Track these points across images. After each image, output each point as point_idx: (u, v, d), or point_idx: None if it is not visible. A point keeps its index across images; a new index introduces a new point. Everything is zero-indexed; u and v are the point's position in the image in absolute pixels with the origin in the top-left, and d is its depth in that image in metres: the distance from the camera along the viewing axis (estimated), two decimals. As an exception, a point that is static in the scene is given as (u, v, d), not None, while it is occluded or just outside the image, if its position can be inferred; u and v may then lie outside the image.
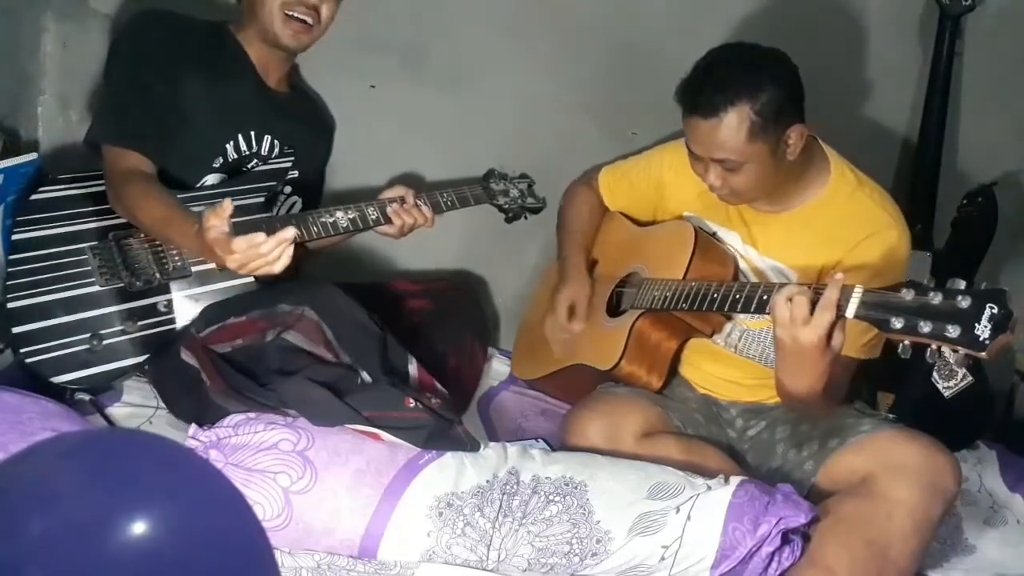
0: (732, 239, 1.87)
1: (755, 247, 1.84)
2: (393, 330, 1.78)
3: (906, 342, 1.36)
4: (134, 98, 1.79)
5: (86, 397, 1.76)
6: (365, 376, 1.70)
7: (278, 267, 1.60)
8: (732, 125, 1.63)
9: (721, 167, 1.69)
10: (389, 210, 1.95)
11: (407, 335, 1.81)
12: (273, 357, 1.71)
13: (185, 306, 1.79)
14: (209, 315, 1.78)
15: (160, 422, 1.79)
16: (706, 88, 1.65)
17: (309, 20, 1.84)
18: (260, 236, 1.58)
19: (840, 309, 1.43)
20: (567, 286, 2.02)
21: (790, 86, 1.68)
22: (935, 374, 2.10)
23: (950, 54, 2.30)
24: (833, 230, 1.76)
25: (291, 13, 1.82)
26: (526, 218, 2.31)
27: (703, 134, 1.67)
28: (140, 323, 1.75)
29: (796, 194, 1.79)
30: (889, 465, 1.62)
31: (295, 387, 1.66)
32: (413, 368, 1.76)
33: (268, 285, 1.84)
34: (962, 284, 1.32)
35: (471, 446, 1.70)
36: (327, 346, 1.71)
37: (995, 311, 1.29)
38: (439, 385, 1.76)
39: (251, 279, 1.81)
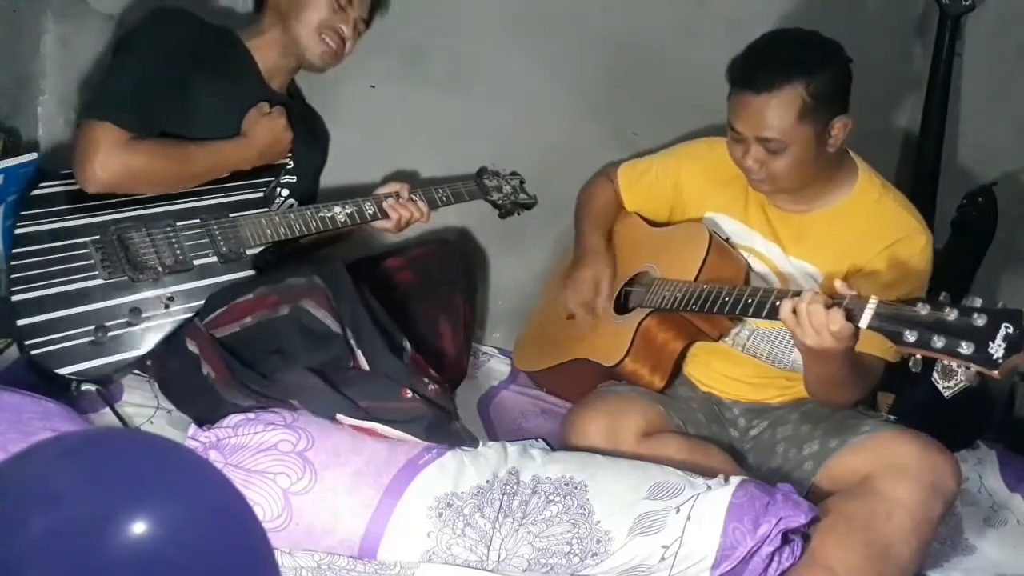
0: (753, 238, 1.87)
1: (780, 246, 1.84)
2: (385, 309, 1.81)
3: (918, 356, 1.36)
4: (142, 86, 1.80)
5: (92, 387, 1.76)
6: (361, 359, 1.71)
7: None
8: (784, 102, 1.64)
9: (764, 148, 1.69)
10: (385, 204, 1.99)
11: (396, 312, 1.84)
12: (283, 333, 1.72)
13: (188, 298, 1.80)
14: (215, 300, 1.80)
15: (160, 422, 1.79)
16: (764, 64, 1.67)
17: (336, 47, 1.94)
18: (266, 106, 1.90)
19: (852, 318, 1.44)
20: (588, 262, 2.02)
21: (842, 75, 1.70)
22: (935, 374, 2.11)
23: (950, 54, 2.30)
24: (860, 233, 1.77)
25: (325, 37, 1.92)
26: (519, 214, 2.32)
27: (753, 110, 1.67)
28: (144, 315, 1.76)
29: (824, 194, 1.80)
30: (889, 465, 1.62)
31: (295, 377, 1.67)
32: (408, 346, 1.78)
33: (273, 265, 1.87)
34: (978, 302, 1.32)
35: (470, 442, 1.70)
36: (332, 312, 1.73)
37: (1011, 331, 1.28)
38: (431, 370, 1.77)
39: (252, 271, 1.83)
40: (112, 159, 1.72)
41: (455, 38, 2.32)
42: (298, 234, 1.90)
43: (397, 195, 2.01)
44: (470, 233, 2.47)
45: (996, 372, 1.29)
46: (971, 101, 2.41)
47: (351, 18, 1.94)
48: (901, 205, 1.81)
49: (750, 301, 1.65)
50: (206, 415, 1.70)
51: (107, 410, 1.76)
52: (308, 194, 2.11)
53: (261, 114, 1.90)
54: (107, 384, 1.79)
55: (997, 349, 1.28)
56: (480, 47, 2.33)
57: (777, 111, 1.64)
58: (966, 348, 1.30)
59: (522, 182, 2.33)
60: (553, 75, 2.37)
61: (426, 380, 1.72)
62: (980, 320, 1.30)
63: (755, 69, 1.67)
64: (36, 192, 1.80)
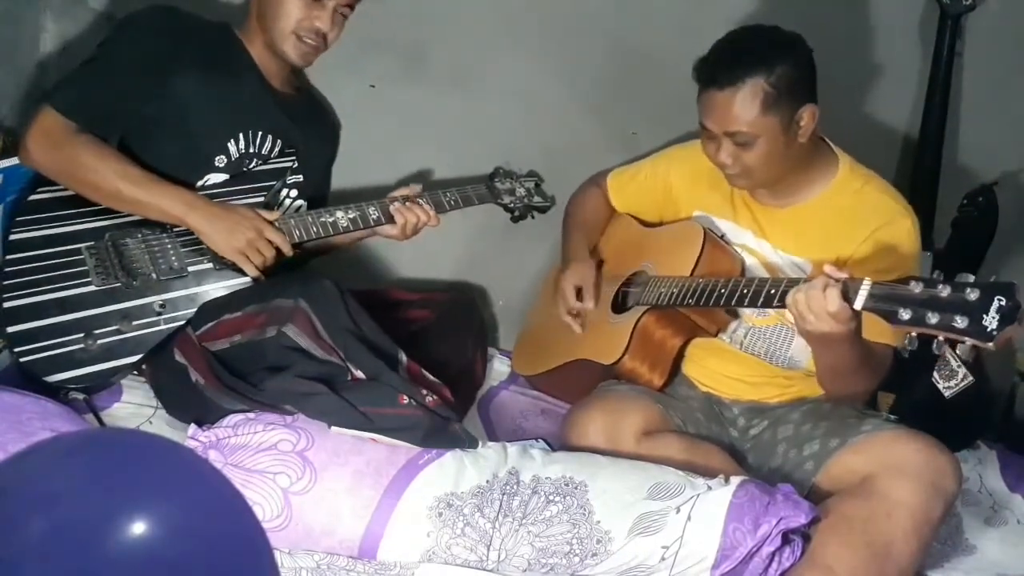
0: (744, 236, 1.88)
1: (769, 242, 1.85)
2: (391, 336, 1.77)
3: (913, 333, 1.38)
4: (102, 83, 1.79)
5: (80, 396, 1.75)
6: (358, 374, 1.69)
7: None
8: (747, 96, 1.67)
9: (733, 143, 1.71)
10: (392, 208, 1.96)
11: (406, 343, 1.80)
12: (272, 353, 1.70)
13: (181, 305, 1.79)
14: (205, 313, 1.79)
15: (160, 422, 1.78)
16: (724, 61, 1.71)
17: (315, 43, 1.89)
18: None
19: (846, 300, 1.46)
20: (571, 269, 2.03)
21: (805, 65, 1.73)
22: (936, 374, 2.12)
23: (950, 54, 2.30)
24: (845, 222, 1.78)
25: (303, 37, 1.87)
26: (532, 217, 2.31)
27: (719, 106, 1.70)
28: (135, 323, 1.75)
29: (803, 186, 1.82)
30: (889, 465, 1.62)
31: (286, 384, 1.65)
32: (403, 358, 1.75)
33: (265, 280, 1.84)
34: (971, 278, 1.34)
35: (469, 443, 1.70)
36: (317, 339, 1.70)
37: (1004, 303, 1.29)
38: (428, 375, 1.75)
39: (247, 278, 1.82)
40: (44, 142, 1.74)
41: (455, 38, 2.32)
42: (297, 240, 1.87)
43: (404, 199, 1.98)
44: (473, 237, 2.46)
45: (991, 344, 1.30)
46: (971, 101, 2.42)
47: (328, 9, 1.86)
48: (883, 192, 1.82)
49: (746, 291, 1.66)
50: (200, 419, 1.69)
51: (107, 410, 1.76)
52: (318, 191, 2.09)
53: (243, 215, 1.81)
54: (102, 389, 1.78)
55: (991, 321, 1.29)
56: (480, 47, 2.33)
57: (742, 104, 1.68)
58: (960, 322, 1.31)
59: (538, 183, 2.33)
60: (553, 75, 2.37)
61: (424, 392, 1.70)
62: (973, 295, 1.31)
63: (717, 66, 1.71)
64: (32, 197, 1.80)
